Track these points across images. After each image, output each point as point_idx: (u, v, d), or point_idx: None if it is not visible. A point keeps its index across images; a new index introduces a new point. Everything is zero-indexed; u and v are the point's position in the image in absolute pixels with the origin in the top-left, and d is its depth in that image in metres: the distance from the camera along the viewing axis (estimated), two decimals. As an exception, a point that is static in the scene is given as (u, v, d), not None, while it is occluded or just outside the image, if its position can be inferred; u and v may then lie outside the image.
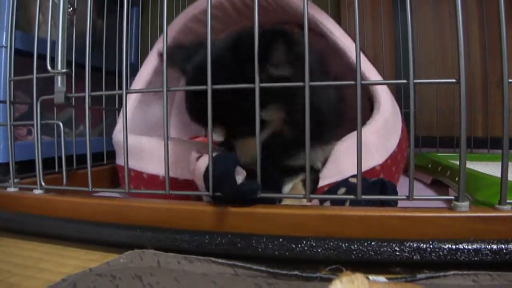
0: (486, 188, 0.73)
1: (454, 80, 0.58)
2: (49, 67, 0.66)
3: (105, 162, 1.20)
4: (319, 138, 0.81)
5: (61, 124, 0.77)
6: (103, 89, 1.10)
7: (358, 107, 0.58)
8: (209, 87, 0.63)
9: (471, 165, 0.92)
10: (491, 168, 0.96)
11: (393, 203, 0.69)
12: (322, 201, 0.75)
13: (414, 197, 0.59)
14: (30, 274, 0.58)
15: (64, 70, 0.66)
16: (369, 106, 0.97)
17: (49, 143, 0.95)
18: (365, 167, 0.85)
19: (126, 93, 0.66)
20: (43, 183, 0.75)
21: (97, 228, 0.66)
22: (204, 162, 0.67)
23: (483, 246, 0.53)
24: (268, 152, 0.68)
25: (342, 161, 0.85)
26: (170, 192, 0.66)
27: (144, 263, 0.56)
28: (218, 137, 0.74)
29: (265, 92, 0.63)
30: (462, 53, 0.56)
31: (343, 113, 0.90)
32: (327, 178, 0.84)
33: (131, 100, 1.06)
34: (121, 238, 0.64)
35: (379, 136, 0.88)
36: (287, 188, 0.83)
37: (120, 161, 1.02)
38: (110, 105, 1.19)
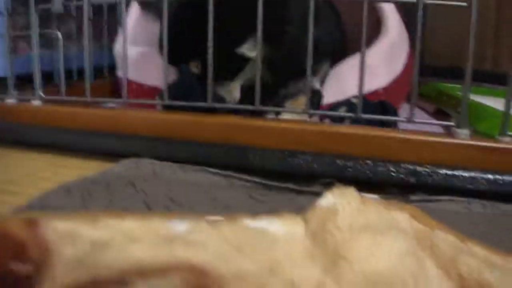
0: (488, 119, 0.72)
1: (464, 4, 0.55)
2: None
3: (105, 75, 1.17)
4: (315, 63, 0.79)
5: (59, 34, 0.74)
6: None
7: (363, 27, 0.56)
8: None
9: (476, 98, 0.90)
10: (495, 103, 0.94)
11: (393, 125, 0.69)
12: (322, 119, 0.75)
13: (415, 120, 0.58)
14: (31, 182, 0.59)
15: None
16: (378, 28, 0.94)
17: (50, 56, 0.93)
18: (368, 89, 0.83)
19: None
20: (41, 94, 0.73)
21: (94, 137, 0.66)
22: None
23: (478, 175, 0.53)
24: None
25: (345, 81, 0.84)
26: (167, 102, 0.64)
27: (139, 172, 0.56)
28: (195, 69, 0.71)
29: (245, 21, 0.60)
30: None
31: (341, 40, 0.89)
32: (329, 97, 0.83)
33: (134, 10, 1.02)
34: (117, 147, 0.65)
35: (384, 58, 0.86)
36: (287, 103, 0.82)
37: (121, 73, 1.00)
38: (113, 16, 1.15)
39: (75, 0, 0.74)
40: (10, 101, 0.76)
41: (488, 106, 0.80)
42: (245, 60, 0.70)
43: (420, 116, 1.03)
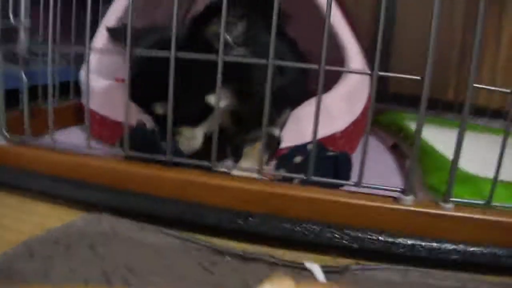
0: (439, 172, 0.75)
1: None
2: (11, 17, 0.63)
3: (71, 97, 1.17)
4: (277, 112, 0.82)
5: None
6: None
7: (320, 80, 0.59)
8: (172, 53, 0.61)
9: (433, 133, 0.92)
10: (451, 140, 0.97)
11: (345, 178, 0.72)
12: (277, 168, 0.78)
13: (362, 185, 0.61)
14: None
15: (27, 21, 0.63)
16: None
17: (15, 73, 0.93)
18: (326, 132, 0.86)
19: (89, 51, 0.64)
20: (5, 133, 0.74)
21: (58, 184, 0.68)
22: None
23: (417, 243, 0.57)
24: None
25: (304, 125, 0.87)
26: (129, 154, 0.66)
27: (100, 228, 0.58)
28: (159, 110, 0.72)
29: (214, 74, 0.61)
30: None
31: (303, 84, 0.92)
32: (287, 141, 0.86)
33: (99, 39, 1.03)
34: (80, 197, 0.67)
35: (344, 101, 0.89)
36: (246, 148, 0.84)
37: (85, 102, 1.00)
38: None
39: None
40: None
41: (441, 156, 0.83)
42: (210, 109, 0.72)
43: (377, 152, 1.06)
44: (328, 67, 0.59)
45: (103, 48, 0.99)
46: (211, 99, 0.71)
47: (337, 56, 0.94)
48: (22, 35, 0.65)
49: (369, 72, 0.60)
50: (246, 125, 0.79)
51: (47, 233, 0.56)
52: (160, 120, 0.73)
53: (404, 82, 1.36)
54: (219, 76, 0.61)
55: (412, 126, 1.09)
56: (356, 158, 0.83)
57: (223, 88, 0.66)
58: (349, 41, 0.94)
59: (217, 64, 0.60)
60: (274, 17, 0.57)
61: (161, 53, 0.63)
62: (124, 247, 0.54)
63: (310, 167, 0.62)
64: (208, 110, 0.73)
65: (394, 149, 1.10)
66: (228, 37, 0.67)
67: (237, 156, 0.83)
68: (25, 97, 0.73)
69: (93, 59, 1.02)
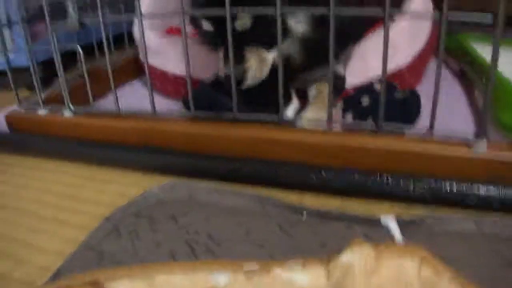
0: (513, 108, 0.71)
1: None
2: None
3: (126, 46, 1.17)
4: (342, 48, 0.79)
5: (79, 49, 0.76)
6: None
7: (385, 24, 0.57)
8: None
9: (504, 57, 0.87)
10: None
11: (414, 119, 0.71)
12: (345, 111, 0.77)
13: (434, 133, 0.60)
14: (76, 207, 0.64)
15: (73, -2, 0.64)
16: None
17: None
18: (391, 67, 0.84)
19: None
20: (70, 105, 0.77)
21: (129, 153, 0.71)
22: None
23: (493, 191, 0.56)
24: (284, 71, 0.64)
25: (368, 60, 0.84)
26: (195, 114, 0.68)
27: (177, 194, 0.61)
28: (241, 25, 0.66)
29: None
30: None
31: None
32: (352, 78, 0.84)
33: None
34: (153, 163, 0.70)
35: (407, 34, 0.85)
36: (312, 93, 0.83)
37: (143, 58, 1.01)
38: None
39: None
40: (41, 112, 0.81)
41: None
42: (286, 32, 0.68)
43: (444, 78, 1.02)
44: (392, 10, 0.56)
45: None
46: (292, 22, 0.67)
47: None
48: (71, 10, 0.65)
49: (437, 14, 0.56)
50: (314, 59, 0.75)
51: (128, 206, 0.60)
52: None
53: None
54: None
55: (480, 49, 1.04)
56: (422, 89, 0.82)
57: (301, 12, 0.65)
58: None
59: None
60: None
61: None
62: (203, 214, 0.57)
63: (381, 115, 0.61)
64: (284, 32, 0.67)
65: (462, 75, 1.05)
66: None
67: (304, 98, 0.82)
68: (83, 66, 0.75)
69: (144, 10, 1.01)
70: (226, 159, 0.65)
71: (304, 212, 0.56)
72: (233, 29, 0.63)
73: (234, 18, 0.63)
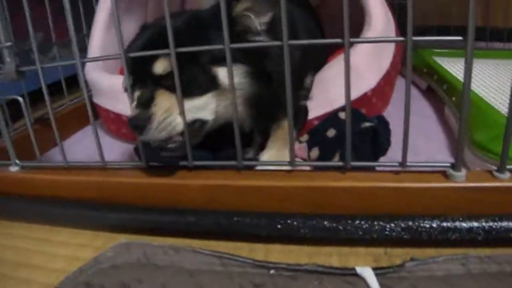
0: (488, 127, 0.67)
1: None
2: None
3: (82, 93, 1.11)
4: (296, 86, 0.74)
5: (20, 100, 0.70)
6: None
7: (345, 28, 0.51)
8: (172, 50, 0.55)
9: (476, 70, 0.84)
10: (492, 79, 0.89)
11: (385, 149, 0.66)
12: (310, 146, 0.72)
13: (408, 164, 0.55)
14: (25, 277, 0.57)
15: (8, 44, 0.57)
16: (361, 16, 0.88)
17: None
18: (356, 93, 0.79)
19: (81, 63, 0.58)
20: (17, 161, 0.70)
21: (81, 210, 0.64)
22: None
23: (475, 225, 0.51)
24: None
25: (330, 90, 0.80)
26: (149, 164, 0.62)
27: (131, 256, 0.55)
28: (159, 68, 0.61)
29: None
30: None
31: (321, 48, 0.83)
32: (315, 108, 0.80)
33: (99, 25, 0.96)
34: (105, 221, 0.63)
35: (371, 57, 0.81)
36: (273, 129, 0.78)
37: (98, 100, 0.95)
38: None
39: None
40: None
41: (488, 105, 0.75)
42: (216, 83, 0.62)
43: (412, 96, 0.98)
44: (352, 40, 0.52)
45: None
46: (219, 71, 0.61)
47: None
48: (7, 58, 0.59)
49: (401, 38, 0.52)
50: (266, 111, 0.70)
51: (78, 273, 0.53)
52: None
53: (429, 13, 1.26)
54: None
55: (445, 64, 1.01)
56: (391, 111, 0.78)
57: (236, 65, 0.61)
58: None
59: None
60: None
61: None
62: (159, 278, 0.50)
63: (348, 153, 0.55)
64: (213, 83, 0.62)
65: (429, 92, 1.02)
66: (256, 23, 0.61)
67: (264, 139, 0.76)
68: (27, 121, 0.69)
69: (96, 53, 0.96)
70: (182, 212, 0.59)
71: (271, 269, 0.50)
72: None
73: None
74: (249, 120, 0.69)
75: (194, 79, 0.60)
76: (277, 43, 0.53)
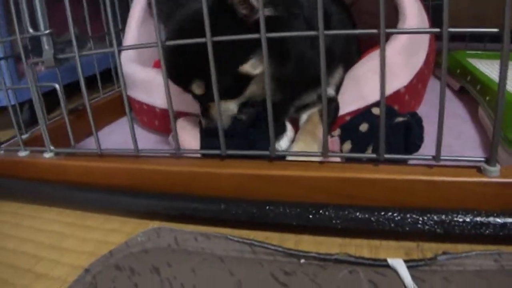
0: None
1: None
2: (30, 29, 0.59)
3: (115, 86, 1.14)
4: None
5: (57, 87, 0.71)
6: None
7: (381, 45, 0.51)
8: (208, 39, 0.55)
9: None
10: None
11: (418, 145, 0.65)
12: (342, 139, 0.71)
13: (442, 157, 0.54)
14: (55, 258, 0.59)
15: (47, 31, 0.59)
16: (395, 15, 0.87)
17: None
18: (389, 90, 0.79)
19: (119, 51, 0.59)
20: (52, 147, 0.72)
21: (112, 196, 0.65)
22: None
23: (509, 220, 0.50)
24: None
25: (363, 85, 0.79)
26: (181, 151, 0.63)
27: (162, 241, 0.56)
28: (197, 90, 0.67)
29: (244, 42, 0.56)
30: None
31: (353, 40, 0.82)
32: (348, 104, 0.79)
33: (134, 20, 0.98)
34: (137, 207, 0.64)
35: (404, 54, 0.80)
36: (303, 117, 0.78)
37: (131, 93, 0.97)
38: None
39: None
40: (22, 154, 0.75)
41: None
42: (248, 78, 0.65)
43: (446, 96, 0.97)
44: (388, 30, 0.51)
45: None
46: (246, 67, 0.64)
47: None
48: (45, 45, 0.60)
49: (437, 30, 0.51)
50: (294, 90, 0.72)
51: (109, 256, 0.54)
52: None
53: (461, 15, 1.24)
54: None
55: (479, 65, 1.00)
56: (423, 111, 0.77)
57: (255, 55, 0.62)
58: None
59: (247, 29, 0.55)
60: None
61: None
62: (189, 263, 0.51)
63: (382, 145, 0.55)
64: (246, 80, 0.66)
65: (462, 93, 1.00)
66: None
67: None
68: (63, 107, 0.70)
69: (129, 44, 0.98)
70: (215, 200, 0.59)
71: (302, 258, 0.50)
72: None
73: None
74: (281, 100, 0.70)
75: (231, 86, 0.65)
76: (312, 33, 0.53)
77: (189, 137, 0.75)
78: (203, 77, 0.63)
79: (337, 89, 0.81)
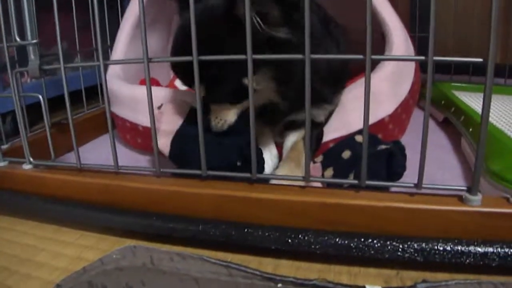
0: (504, 156, 0.67)
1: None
2: (17, 38, 0.59)
3: (100, 102, 1.14)
4: (319, 97, 0.74)
5: (40, 98, 0.71)
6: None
7: (367, 72, 0.51)
8: (194, 58, 0.55)
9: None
10: (509, 114, 0.89)
11: (400, 173, 0.65)
12: (324, 166, 0.71)
13: (423, 185, 0.54)
14: (27, 272, 0.57)
15: (34, 41, 0.58)
16: (382, 42, 0.88)
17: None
18: (374, 119, 0.79)
19: (104, 65, 0.59)
20: (31, 159, 0.71)
21: (89, 211, 0.64)
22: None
23: (490, 250, 0.50)
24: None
25: (348, 113, 0.79)
26: (161, 170, 0.62)
27: (137, 260, 0.54)
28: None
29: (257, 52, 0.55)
30: None
31: (346, 66, 0.83)
32: (332, 131, 0.79)
33: (123, 37, 0.98)
34: (113, 224, 0.63)
35: (390, 83, 0.81)
36: (288, 144, 0.78)
37: (115, 109, 0.96)
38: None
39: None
40: (1, 164, 0.74)
41: (506, 137, 0.74)
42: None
43: (430, 127, 0.98)
44: (374, 56, 0.52)
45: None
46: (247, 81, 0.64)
47: (376, 28, 0.85)
48: (31, 55, 0.59)
49: (422, 57, 0.51)
50: (294, 101, 0.71)
51: (82, 272, 0.52)
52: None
53: (446, 47, 1.26)
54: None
55: (463, 97, 1.01)
56: (407, 140, 0.77)
57: (260, 71, 0.62)
58: (389, 16, 0.86)
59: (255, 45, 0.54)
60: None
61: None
62: (164, 283, 0.49)
63: (363, 171, 0.55)
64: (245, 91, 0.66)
65: (446, 124, 1.01)
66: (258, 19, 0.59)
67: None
68: (45, 118, 0.69)
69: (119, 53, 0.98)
70: (193, 221, 0.58)
71: (279, 283, 0.49)
72: None
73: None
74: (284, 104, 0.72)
75: (232, 93, 0.65)
76: (299, 57, 0.53)
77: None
78: (203, 80, 0.61)
79: (330, 115, 0.81)
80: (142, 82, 1.01)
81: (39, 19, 0.86)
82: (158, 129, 0.68)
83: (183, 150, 0.68)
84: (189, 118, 0.71)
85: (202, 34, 0.56)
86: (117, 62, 0.95)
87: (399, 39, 0.83)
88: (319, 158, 0.72)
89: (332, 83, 0.76)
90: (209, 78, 0.61)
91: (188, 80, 0.68)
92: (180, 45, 0.65)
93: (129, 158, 0.93)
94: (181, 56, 0.59)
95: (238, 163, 0.66)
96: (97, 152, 0.98)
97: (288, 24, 0.60)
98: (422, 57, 0.52)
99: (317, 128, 0.78)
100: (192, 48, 0.55)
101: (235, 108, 0.68)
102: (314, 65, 0.53)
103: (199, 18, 0.59)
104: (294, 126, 0.79)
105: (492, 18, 0.47)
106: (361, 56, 0.52)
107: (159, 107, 0.74)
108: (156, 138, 0.61)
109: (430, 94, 0.52)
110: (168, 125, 0.70)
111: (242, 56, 0.54)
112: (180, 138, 0.69)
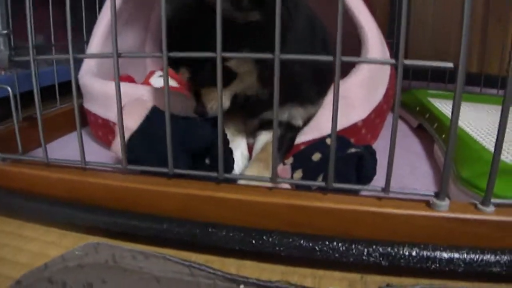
0: (474, 163, 0.67)
1: None
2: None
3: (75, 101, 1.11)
4: (300, 96, 0.74)
5: (9, 89, 0.69)
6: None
7: (336, 73, 0.51)
8: (164, 55, 0.54)
9: (464, 110, 0.84)
10: (483, 122, 0.89)
11: (370, 177, 0.65)
12: (294, 168, 0.70)
13: (391, 190, 0.54)
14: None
15: (5, 31, 0.57)
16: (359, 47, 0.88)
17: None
18: (347, 123, 0.79)
19: (74, 59, 0.57)
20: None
21: (53, 207, 0.62)
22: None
23: (456, 256, 0.50)
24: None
25: (321, 116, 0.79)
26: (128, 167, 0.60)
27: (99, 257, 0.53)
28: (183, 75, 0.68)
29: (234, 38, 0.56)
30: None
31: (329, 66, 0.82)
32: (305, 134, 0.79)
33: (99, 33, 0.96)
34: (77, 220, 0.61)
35: (364, 88, 0.81)
36: (258, 144, 0.77)
37: (88, 105, 0.94)
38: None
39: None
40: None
41: (476, 144, 0.75)
42: (233, 73, 0.66)
43: (401, 134, 0.99)
44: (344, 58, 0.51)
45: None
46: (231, 64, 0.64)
47: (352, 31, 0.85)
48: (1, 46, 0.58)
49: (393, 61, 0.51)
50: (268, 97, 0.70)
51: (43, 268, 0.51)
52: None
53: (424, 54, 1.27)
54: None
55: (438, 104, 1.02)
56: (380, 145, 0.77)
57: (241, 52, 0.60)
58: (366, 19, 0.85)
59: (236, 27, 0.53)
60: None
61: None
62: (125, 282, 0.49)
63: (330, 174, 0.54)
64: (231, 73, 0.66)
65: (419, 130, 1.02)
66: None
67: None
68: (13, 112, 0.67)
69: (93, 59, 0.96)
70: (157, 219, 0.57)
71: (241, 284, 0.48)
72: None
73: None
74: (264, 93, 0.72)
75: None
76: (269, 56, 0.53)
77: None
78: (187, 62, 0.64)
79: (308, 120, 0.80)
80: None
81: (17, 11, 0.85)
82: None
83: (144, 146, 0.66)
84: (152, 114, 0.70)
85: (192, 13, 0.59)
86: (87, 56, 0.94)
87: (374, 42, 0.83)
88: (289, 160, 0.72)
89: (319, 82, 0.76)
90: (193, 61, 0.62)
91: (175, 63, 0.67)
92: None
93: (101, 155, 0.91)
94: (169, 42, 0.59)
95: (207, 161, 0.65)
96: (71, 147, 0.96)
97: (260, 8, 0.59)
98: (393, 60, 0.51)
99: (292, 131, 0.78)
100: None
101: (226, 91, 0.68)
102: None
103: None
104: (267, 126, 0.78)
105: (464, 23, 0.46)
106: (330, 58, 0.51)
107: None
108: (124, 135, 0.60)
109: (400, 97, 0.51)
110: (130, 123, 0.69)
111: (213, 54, 0.53)
112: (142, 135, 0.68)
